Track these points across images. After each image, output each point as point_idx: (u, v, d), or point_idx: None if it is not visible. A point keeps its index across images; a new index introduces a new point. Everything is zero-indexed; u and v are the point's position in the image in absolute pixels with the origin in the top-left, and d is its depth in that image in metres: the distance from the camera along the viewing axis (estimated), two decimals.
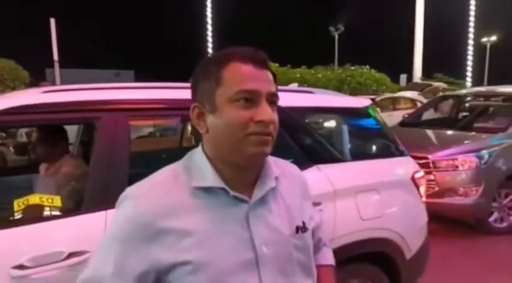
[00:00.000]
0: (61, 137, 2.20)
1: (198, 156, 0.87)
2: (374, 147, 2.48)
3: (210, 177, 0.82)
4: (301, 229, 0.91)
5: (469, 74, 18.25)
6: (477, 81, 23.03)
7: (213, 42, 18.89)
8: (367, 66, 21.83)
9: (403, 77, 21.72)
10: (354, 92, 20.28)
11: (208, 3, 19.78)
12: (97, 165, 1.61)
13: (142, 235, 0.79)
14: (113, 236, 0.83)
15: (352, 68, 21.99)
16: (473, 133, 4.81)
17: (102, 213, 1.54)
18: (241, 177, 0.85)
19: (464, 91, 7.11)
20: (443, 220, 4.55)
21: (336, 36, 28.60)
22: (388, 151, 2.49)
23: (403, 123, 5.81)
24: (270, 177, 0.88)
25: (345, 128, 2.35)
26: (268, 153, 0.83)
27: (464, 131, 4.98)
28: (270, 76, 0.85)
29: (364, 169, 2.22)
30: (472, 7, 18.85)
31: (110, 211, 1.56)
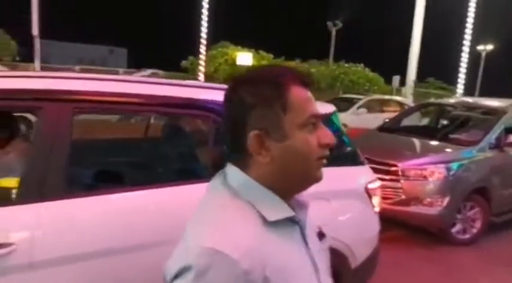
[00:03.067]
0: (2, 122, 2.15)
1: (250, 185, 0.79)
2: (331, 155, 2.48)
3: (282, 208, 0.79)
4: (322, 234, 0.99)
5: (461, 80, 18.23)
6: (469, 89, 23.23)
7: (208, 27, 18.62)
8: (362, 65, 21.84)
9: (395, 78, 21.69)
10: (346, 90, 20.32)
11: None
12: (33, 155, 1.59)
13: None
14: None
15: (347, 65, 21.96)
16: (446, 143, 4.86)
17: (34, 205, 1.53)
18: (289, 200, 0.83)
19: (447, 100, 7.16)
20: (407, 227, 4.62)
21: (334, 32, 28.49)
22: (345, 160, 2.50)
23: (381, 128, 5.84)
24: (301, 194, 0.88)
25: None
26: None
27: (439, 140, 5.01)
28: None
29: None
30: (471, 14, 18.81)
31: (45, 204, 1.55)
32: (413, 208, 4.27)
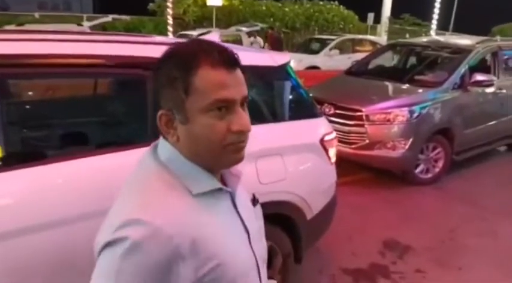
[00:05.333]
0: None
1: (176, 159, 0.82)
2: (285, 109, 2.42)
3: (208, 181, 0.82)
4: (256, 200, 1.01)
5: (435, 16, 17.96)
6: (443, 25, 22.97)
7: None
8: (336, 2, 21.09)
9: (370, 16, 21.21)
10: (321, 29, 19.77)
11: None
12: None
13: (179, 257, 0.71)
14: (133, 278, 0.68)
15: (321, 2, 21.16)
16: (412, 86, 4.85)
17: None
18: (218, 172, 0.87)
19: (415, 40, 7.05)
20: (372, 171, 4.75)
21: None
22: (301, 113, 2.45)
23: (348, 71, 5.76)
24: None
25: (254, 88, 2.26)
26: (244, 156, 0.84)
27: (405, 83, 4.99)
28: (241, 75, 0.82)
29: (268, 133, 2.18)
30: None
31: None
32: (377, 152, 4.35)
